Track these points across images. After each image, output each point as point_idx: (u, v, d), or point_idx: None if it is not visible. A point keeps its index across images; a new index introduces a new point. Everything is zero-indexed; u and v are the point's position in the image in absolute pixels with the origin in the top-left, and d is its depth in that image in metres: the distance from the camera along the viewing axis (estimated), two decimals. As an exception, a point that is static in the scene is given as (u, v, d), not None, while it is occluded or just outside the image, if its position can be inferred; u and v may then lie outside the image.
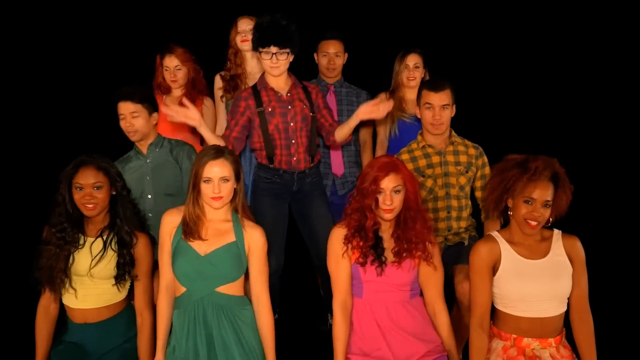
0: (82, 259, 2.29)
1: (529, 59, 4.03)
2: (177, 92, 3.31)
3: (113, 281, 2.29)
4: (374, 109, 2.68)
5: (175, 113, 2.61)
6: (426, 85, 2.81)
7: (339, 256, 2.23)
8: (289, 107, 2.74)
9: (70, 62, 4.00)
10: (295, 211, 2.86)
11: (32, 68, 3.99)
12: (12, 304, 3.26)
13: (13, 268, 2.67)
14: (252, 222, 2.29)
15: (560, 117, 3.97)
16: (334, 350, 2.20)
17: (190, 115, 2.60)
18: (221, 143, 2.61)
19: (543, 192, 2.07)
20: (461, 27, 4.02)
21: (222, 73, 3.30)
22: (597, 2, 3.94)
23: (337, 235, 2.26)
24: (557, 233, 2.21)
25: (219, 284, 2.17)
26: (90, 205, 2.28)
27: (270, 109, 2.72)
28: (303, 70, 3.12)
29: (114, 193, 2.34)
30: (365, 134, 3.41)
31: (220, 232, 2.21)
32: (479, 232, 2.82)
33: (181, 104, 2.69)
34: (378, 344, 2.18)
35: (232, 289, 2.20)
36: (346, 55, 3.34)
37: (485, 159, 2.82)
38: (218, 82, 3.32)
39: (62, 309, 2.41)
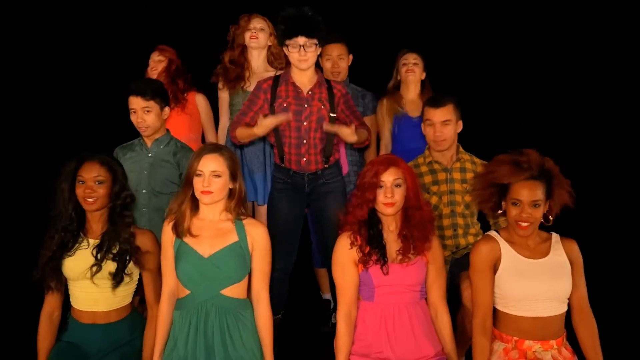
0: (84, 261, 2.27)
1: (527, 62, 4.04)
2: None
3: (115, 284, 2.27)
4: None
5: None
6: (428, 101, 2.80)
7: (344, 265, 2.22)
8: (306, 105, 2.67)
9: (69, 62, 4.00)
10: (310, 213, 2.83)
11: (31, 67, 3.98)
12: (12, 305, 3.26)
13: (13, 268, 2.66)
14: (253, 219, 2.29)
15: (557, 119, 3.98)
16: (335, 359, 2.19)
17: None
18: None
19: (530, 192, 2.06)
20: (466, 29, 4.02)
21: (221, 68, 3.26)
22: (597, 2, 3.95)
23: (343, 244, 2.24)
24: (555, 236, 2.22)
25: (223, 286, 2.16)
26: (91, 200, 2.25)
27: (285, 105, 2.66)
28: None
29: (117, 190, 2.31)
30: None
31: (222, 233, 2.19)
32: None
33: None
34: (381, 347, 2.17)
35: (236, 291, 2.19)
36: (351, 56, 3.32)
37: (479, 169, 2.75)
38: (220, 83, 3.30)
39: (64, 308, 2.41)
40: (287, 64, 2.78)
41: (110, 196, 2.30)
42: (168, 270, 2.22)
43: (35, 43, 4.03)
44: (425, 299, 2.30)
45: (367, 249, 2.19)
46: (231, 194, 2.22)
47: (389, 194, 2.17)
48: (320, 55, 3.32)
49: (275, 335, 2.80)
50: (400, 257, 2.20)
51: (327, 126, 2.61)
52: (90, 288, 2.27)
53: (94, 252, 2.26)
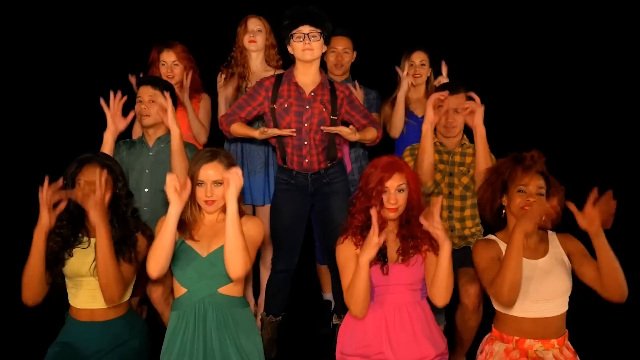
0: (87, 259, 2.28)
1: (530, 60, 4.04)
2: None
3: None
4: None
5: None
6: (441, 87, 2.79)
7: (348, 258, 2.19)
8: (307, 107, 2.64)
9: (67, 62, 4.00)
10: (314, 215, 2.81)
11: (29, 68, 3.99)
12: (12, 304, 3.24)
13: (12, 268, 2.65)
14: (248, 215, 2.28)
15: (560, 119, 3.98)
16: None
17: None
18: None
19: (536, 181, 2.12)
20: (469, 26, 4.02)
21: (224, 70, 3.26)
22: (598, 2, 3.96)
23: (346, 243, 2.24)
24: (551, 233, 2.23)
25: (221, 284, 2.17)
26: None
27: (286, 105, 2.63)
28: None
29: (117, 192, 2.32)
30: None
31: (219, 232, 2.19)
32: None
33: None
34: (381, 348, 2.16)
35: (234, 289, 2.19)
36: (355, 53, 3.30)
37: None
38: (221, 79, 3.28)
39: (60, 310, 2.41)
40: (291, 63, 2.75)
41: (110, 197, 2.30)
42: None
43: (33, 43, 4.03)
44: (427, 298, 2.29)
45: None
46: None
47: (393, 200, 2.18)
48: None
49: (275, 336, 2.82)
50: (400, 257, 2.20)
51: (325, 128, 2.61)
52: (91, 284, 2.27)
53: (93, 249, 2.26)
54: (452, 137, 2.76)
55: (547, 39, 4.05)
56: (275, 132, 2.61)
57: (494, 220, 2.29)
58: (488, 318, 2.33)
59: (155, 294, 2.58)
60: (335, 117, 2.68)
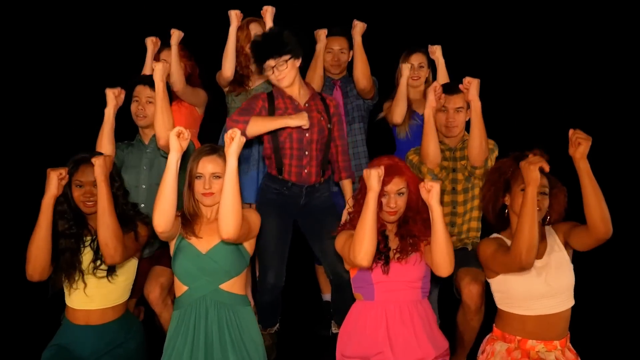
0: (86, 257, 2.30)
1: (531, 59, 4.03)
2: (173, 86, 3.21)
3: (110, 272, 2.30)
4: None
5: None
6: (441, 88, 2.78)
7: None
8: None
9: (64, 62, 3.99)
10: (303, 226, 2.77)
11: (26, 68, 3.98)
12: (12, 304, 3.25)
13: (12, 268, 2.64)
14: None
15: (562, 117, 3.97)
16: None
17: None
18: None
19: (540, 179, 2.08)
20: (467, 26, 4.00)
21: (230, 87, 3.22)
22: (599, 2, 3.96)
23: (344, 232, 2.24)
24: (548, 229, 2.23)
25: (222, 281, 2.16)
26: (90, 203, 2.30)
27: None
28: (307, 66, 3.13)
29: (114, 192, 2.31)
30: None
31: (214, 228, 2.18)
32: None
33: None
34: (381, 347, 2.14)
35: (235, 286, 2.19)
36: (352, 52, 3.26)
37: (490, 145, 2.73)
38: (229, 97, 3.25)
39: (56, 312, 2.40)
40: None
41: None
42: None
43: (30, 43, 4.03)
44: (428, 297, 2.27)
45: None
46: None
47: (392, 203, 2.18)
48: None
49: (274, 340, 2.80)
50: (398, 255, 2.19)
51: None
52: (88, 283, 2.27)
53: (94, 246, 2.30)
54: (453, 137, 2.75)
55: (548, 37, 4.05)
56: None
57: (497, 221, 2.27)
58: (489, 319, 2.31)
59: (153, 295, 2.57)
60: (330, 126, 2.70)
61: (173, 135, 2.06)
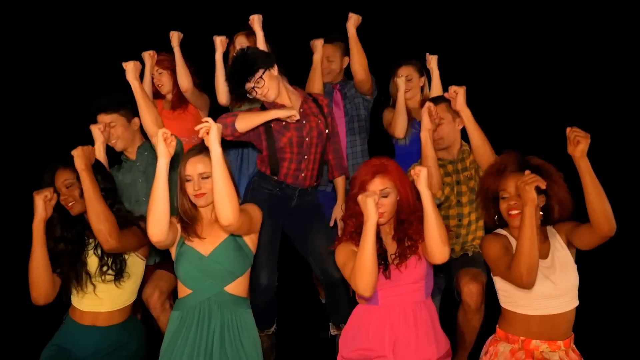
0: (94, 262, 2.30)
1: (529, 60, 4.04)
2: (168, 96, 3.28)
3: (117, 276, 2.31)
4: None
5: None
6: (422, 102, 2.78)
7: (349, 257, 2.14)
8: (304, 121, 2.62)
9: (60, 65, 4.01)
10: (290, 227, 2.75)
11: (23, 68, 3.99)
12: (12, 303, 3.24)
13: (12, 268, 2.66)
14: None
15: (559, 117, 3.96)
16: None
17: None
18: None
19: (514, 182, 2.08)
20: (462, 31, 4.01)
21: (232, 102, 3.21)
22: (599, 2, 3.97)
23: (344, 246, 2.19)
24: (550, 229, 2.21)
25: (227, 282, 2.14)
26: (70, 204, 2.30)
27: (284, 123, 2.59)
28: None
29: (101, 186, 2.30)
30: None
31: (216, 230, 2.17)
32: None
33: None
34: (383, 351, 2.12)
35: (239, 288, 2.17)
36: (346, 58, 3.27)
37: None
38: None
39: (58, 311, 2.39)
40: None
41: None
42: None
43: (27, 43, 4.05)
44: (431, 297, 2.25)
45: None
46: None
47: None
48: None
49: (272, 341, 2.79)
50: (397, 260, 2.16)
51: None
52: (98, 287, 2.28)
53: (98, 252, 2.30)
54: (443, 149, 2.72)
55: (544, 39, 4.06)
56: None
57: (494, 225, 2.27)
58: (492, 319, 2.29)
59: (152, 299, 2.57)
60: (328, 130, 2.70)
61: (160, 140, 2.02)
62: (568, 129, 2.07)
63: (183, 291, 2.17)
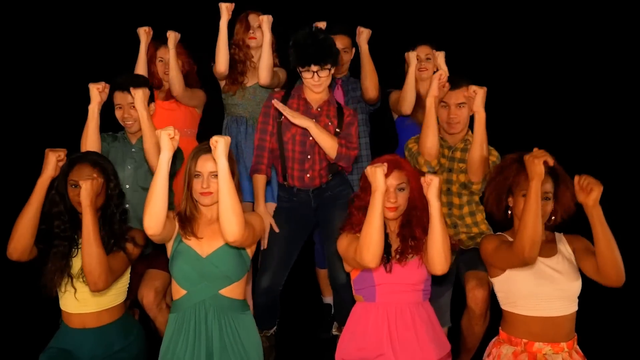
0: (78, 262, 2.23)
1: (534, 58, 4.02)
2: (167, 85, 3.16)
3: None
4: None
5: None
6: (447, 76, 2.66)
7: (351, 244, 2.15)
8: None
9: (57, 59, 3.94)
10: (319, 224, 2.75)
11: (20, 66, 3.93)
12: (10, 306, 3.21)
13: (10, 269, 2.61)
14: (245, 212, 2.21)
15: (564, 118, 3.98)
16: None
17: None
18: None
19: (541, 185, 2.05)
20: (470, 24, 3.98)
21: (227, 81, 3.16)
22: (600, 3, 3.97)
23: (347, 235, 2.20)
24: (559, 235, 2.21)
25: (222, 286, 2.11)
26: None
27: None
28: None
29: (109, 192, 2.28)
30: None
31: (217, 231, 2.13)
32: None
33: None
34: (382, 349, 2.10)
35: (235, 291, 2.14)
36: (353, 50, 3.22)
37: (492, 158, 2.64)
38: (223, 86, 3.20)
39: (54, 312, 2.35)
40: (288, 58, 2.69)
41: (104, 196, 2.26)
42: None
43: (25, 42, 3.99)
44: (440, 300, 2.25)
45: None
46: None
47: (392, 198, 2.13)
48: None
49: (272, 342, 2.77)
50: (398, 256, 2.15)
51: (277, 103, 2.54)
52: (79, 288, 2.22)
53: None
54: (455, 133, 2.67)
55: (551, 36, 4.04)
56: (269, 221, 2.60)
57: (502, 219, 2.25)
58: (496, 323, 2.29)
59: (147, 299, 2.53)
60: (339, 130, 2.65)
61: (165, 134, 2.00)
62: (576, 177, 2.03)
63: (177, 292, 2.14)
